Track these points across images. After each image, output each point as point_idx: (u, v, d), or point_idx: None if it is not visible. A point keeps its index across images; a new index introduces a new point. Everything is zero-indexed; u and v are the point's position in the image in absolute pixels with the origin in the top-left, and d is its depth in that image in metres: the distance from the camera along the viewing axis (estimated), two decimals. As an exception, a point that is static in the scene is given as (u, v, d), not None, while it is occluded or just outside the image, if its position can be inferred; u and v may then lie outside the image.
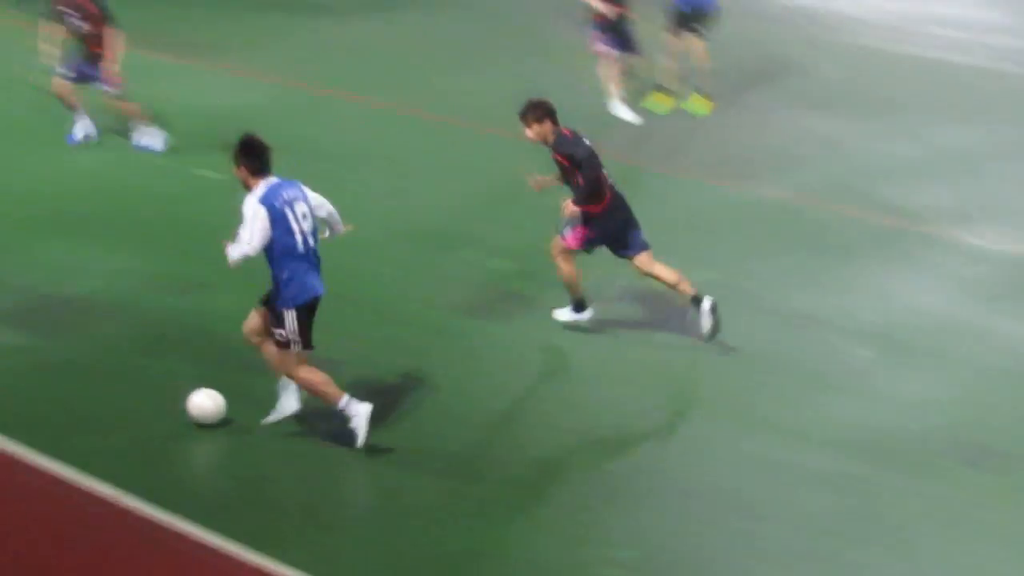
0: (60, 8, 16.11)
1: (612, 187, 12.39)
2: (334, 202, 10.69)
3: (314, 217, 10.44)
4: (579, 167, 12.14)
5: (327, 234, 10.74)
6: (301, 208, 10.34)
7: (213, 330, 12.13)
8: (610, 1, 18.34)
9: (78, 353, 11.74)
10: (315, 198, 10.55)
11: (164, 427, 10.61)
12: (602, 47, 18.46)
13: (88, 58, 16.20)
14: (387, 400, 11.02)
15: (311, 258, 10.40)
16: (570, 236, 12.38)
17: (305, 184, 10.47)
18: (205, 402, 10.69)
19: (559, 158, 12.25)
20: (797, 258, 14.63)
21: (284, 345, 10.39)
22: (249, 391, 10.92)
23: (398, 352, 12.08)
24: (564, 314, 12.73)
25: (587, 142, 12.28)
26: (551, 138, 12.20)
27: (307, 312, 10.40)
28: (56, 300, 12.61)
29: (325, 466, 10.27)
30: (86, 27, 16.06)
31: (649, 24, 19.10)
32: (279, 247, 10.23)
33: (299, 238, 10.29)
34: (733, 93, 20.01)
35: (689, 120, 19.06)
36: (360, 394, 10.48)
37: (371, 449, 10.29)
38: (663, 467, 10.66)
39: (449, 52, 21.37)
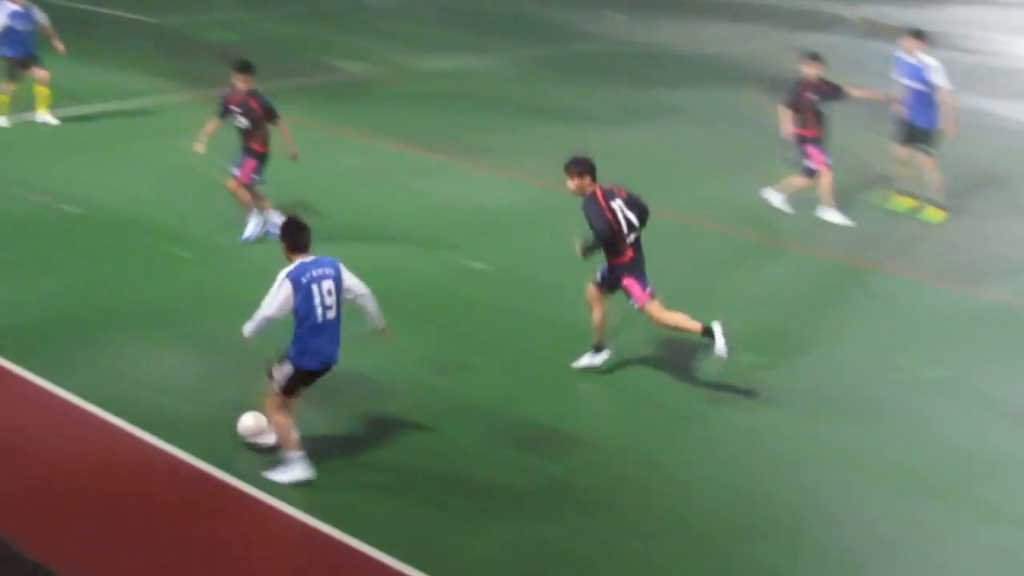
0: (229, 106, 17.52)
1: (632, 244, 13.76)
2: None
3: (340, 295, 11.82)
4: (590, 225, 13.59)
5: (368, 326, 12.12)
6: (327, 285, 11.76)
7: (477, 407, 13.34)
8: (808, 121, 19.22)
9: (349, 427, 12.88)
10: (349, 280, 11.98)
11: (429, 488, 11.80)
12: (815, 163, 19.36)
13: (249, 153, 17.50)
14: (627, 482, 12.10)
15: (329, 330, 11.79)
16: (633, 290, 13.80)
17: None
18: (248, 421, 12.22)
19: (586, 212, 13.74)
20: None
21: (272, 383, 11.81)
22: (519, 462, 12.17)
23: (644, 433, 13.10)
24: (584, 360, 14.19)
25: (614, 204, 13.68)
26: (586, 192, 13.78)
27: (307, 376, 11.86)
28: (333, 377, 13.96)
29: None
30: (248, 124, 17.41)
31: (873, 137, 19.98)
32: (299, 315, 11.68)
33: (319, 311, 11.70)
34: (961, 201, 20.70)
35: (919, 224, 19.81)
36: (595, 468, 11.66)
37: (604, 510, 11.37)
38: (898, 551, 11.16)
39: (705, 158, 22.12)
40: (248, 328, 11.87)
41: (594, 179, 13.82)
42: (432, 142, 22.22)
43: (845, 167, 20.36)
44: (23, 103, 22.97)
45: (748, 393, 13.95)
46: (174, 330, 14.84)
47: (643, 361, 14.61)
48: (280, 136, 17.37)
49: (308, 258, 11.90)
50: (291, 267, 11.84)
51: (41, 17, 23.13)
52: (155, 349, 14.37)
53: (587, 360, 14.28)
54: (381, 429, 12.89)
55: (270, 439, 12.27)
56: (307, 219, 17.59)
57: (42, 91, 23.00)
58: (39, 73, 22.98)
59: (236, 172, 17.54)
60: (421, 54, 29.72)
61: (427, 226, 18.46)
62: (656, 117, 21.51)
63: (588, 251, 13.78)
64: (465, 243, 17.77)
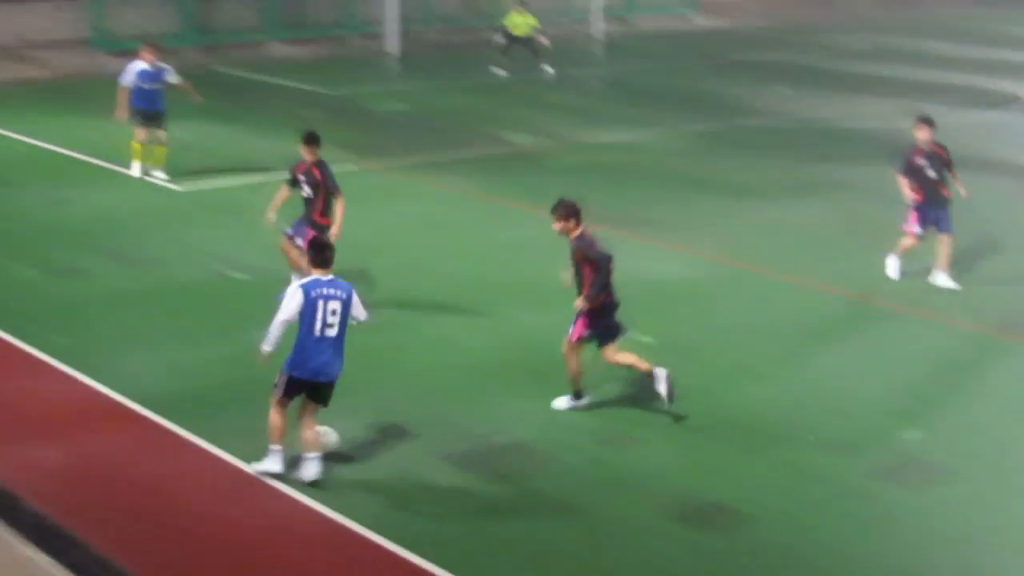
0: (296, 175, 18.07)
1: (608, 289, 14.65)
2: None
3: (345, 317, 12.91)
4: (596, 263, 14.48)
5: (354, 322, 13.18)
6: (333, 305, 12.87)
7: (640, 479, 13.48)
8: (916, 185, 19.26)
9: (518, 495, 13.14)
10: (357, 308, 13.10)
11: (611, 560, 11.97)
12: (906, 227, 19.50)
13: (310, 223, 17.93)
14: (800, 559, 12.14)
15: (326, 346, 12.87)
16: (571, 332, 14.64)
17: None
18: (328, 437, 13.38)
19: (577, 255, 14.61)
20: None
21: (275, 386, 13.07)
22: (680, 535, 12.29)
23: (806, 507, 13.11)
24: (563, 402, 14.90)
25: (604, 246, 14.63)
26: (573, 234, 14.70)
27: (297, 385, 12.99)
28: (500, 446, 14.18)
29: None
30: (311, 193, 17.92)
31: None
32: (302, 326, 12.84)
33: (318, 325, 12.81)
34: None
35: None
36: (758, 542, 11.67)
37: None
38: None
39: (869, 234, 21.97)
40: (265, 345, 13.08)
41: (579, 222, 14.74)
42: (598, 214, 22.12)
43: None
44: (204, 170, 23.57)
45: (911, 468, 13.91)
46: (337, 396, 15.15)
47: (803, 435, 14.61)
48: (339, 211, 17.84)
49: (326, 276, 13.07)
50: (307, 279, 13.08)
51: (173, 77, 24.27)
52: (328, 415, 14.67)
53: (566, 403, 14.96)
54: (543, 499, 13.09)
55: (330, 439, 13.49)
56: (475, 287, 18.00)
57: (159, 150, 24.22)
58: (159, 133, 24.19)
59: (289, 231, 18.22)
60: (587, 127, 29.98)
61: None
62: (821, 192, 21.47)
63: (591, 285, 14.56)
64: (630, 316, 17.80)
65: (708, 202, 23.78)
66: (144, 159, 24.36)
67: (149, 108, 24.07)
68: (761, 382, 15.96)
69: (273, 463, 13.19)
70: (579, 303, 14.61)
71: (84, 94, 31.88)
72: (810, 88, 35.14)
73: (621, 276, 19.30)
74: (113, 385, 15.19)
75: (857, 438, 14.54)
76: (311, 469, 13.08)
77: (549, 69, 35.78)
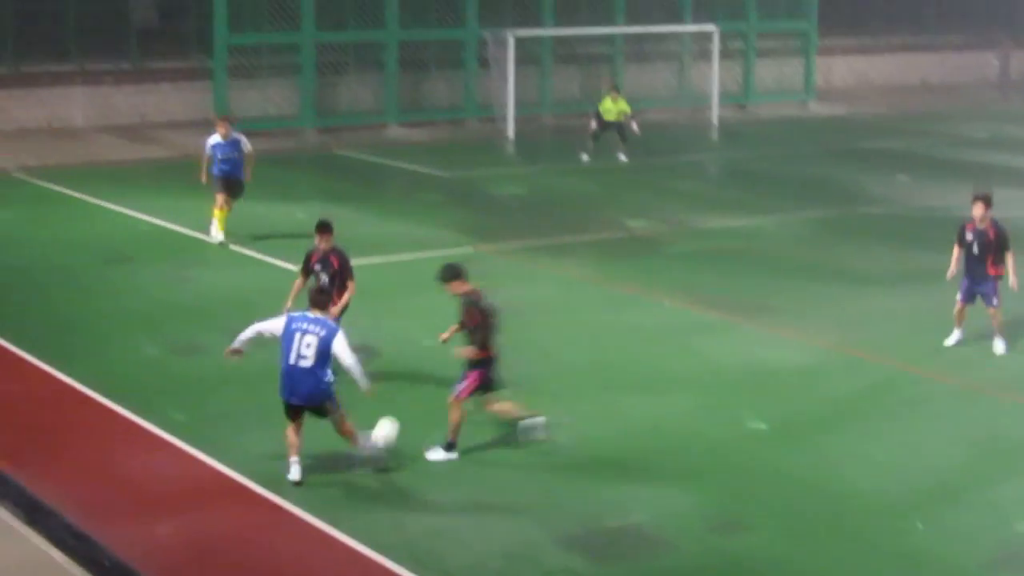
0: (311, 263, 18.30)
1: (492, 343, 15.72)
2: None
3: (320, 353, 14.53)
4: (484, 316, 15.61)
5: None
6: (308, 339, 14.58)
7: (751, 568, 13.52)
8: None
9: None
10: (338, 348, 14.63)
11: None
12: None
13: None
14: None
15: (298, 375, 14.60)
16: (462, 388, 15.63)
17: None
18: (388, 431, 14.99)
19: (467, 310, 15.70)
20: None
21: None
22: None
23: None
24: (437, 454, 15.62)
25: (489, 302, 15.74)
26: (460, 291, 15.88)
27: (286, 405, 14.85)
28: (611, 530, 14.23)
29: None
30: (327, 280, 18.06)
31: None
32: (281, 354, 14.68)
33: (292, 356, 14.59)
34: None
35: None
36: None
37: None
38: None
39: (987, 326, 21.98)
40: (234, 342, 15.08)
41: (464, 281, 16.05)
42: (713, 300, 22.46)
43: None
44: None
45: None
46: (449, 472, 15.33)
47: (914, 517, 14.55)
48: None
49: (316, 314, 14.85)
50: (295, 313, 14.93)
51: (247, 147, 25.97)
52: (434, 499, 14.83)
53: (441, 455, 15.65)
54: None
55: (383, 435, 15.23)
56: (589, 370, 18.08)
57: (223, 212, 25.79)
58: (231, 200, 25.97)
59: None
60: (704, 212, 30.06)
61: (706, 383, 18.68)
62: (937, 280, 21.33)
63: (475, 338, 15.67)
64: (744, 402, 17.90)
65: (823, 288, 23.72)
66: (223, 225, 25.81)
67: (226, 176, 25.77)
68: (873, 469, 15.87)
69: (293, 473, 14.87)
70: (466, 352, 15.74)
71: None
72: (929, 176, 34.97)
73: (734, 362, 19.47)
74: (230, 462, 15.46)
75: (971, 527, 14.42)
76: (294, 471, 14.88)
77: (623, 157, 35.83)
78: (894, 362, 19.79)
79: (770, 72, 48.26)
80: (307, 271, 18.28)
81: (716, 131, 43.28)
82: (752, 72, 47.51)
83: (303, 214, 26.77)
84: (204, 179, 26.00)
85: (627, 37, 44.94)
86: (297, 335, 14.69)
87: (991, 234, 19.88)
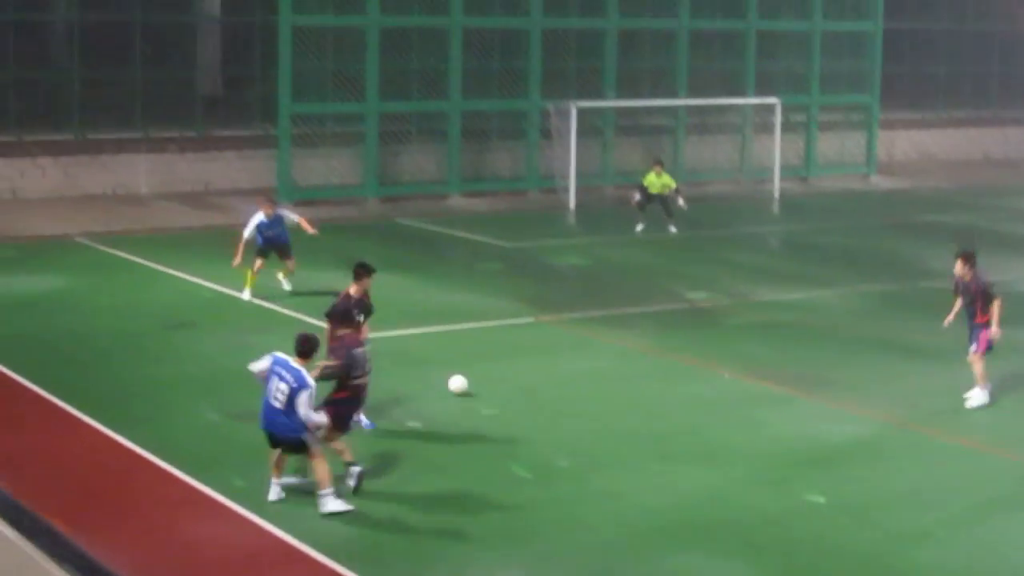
0: (351, 310, 18.93)
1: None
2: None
3: (291, 400, 15.75)
4: (343, 365, 16.96)
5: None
6: (281, 385, 15.87)
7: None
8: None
9: None
10: (300, 401, 15.71)
11: None
12: None
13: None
14: None
15: (271, 412, 16.01)
16: (324, 417, 16.30)
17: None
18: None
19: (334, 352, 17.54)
20: None
21: None
22: None
23: None
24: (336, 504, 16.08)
25: (360, 352, 17.17)
26: (337, 333, 18.10)
27: (265, 434, 16.25)
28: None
29: None
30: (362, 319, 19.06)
31: None
32: (264, 389, 16.13)
33: (270, 395, 16.00)
34: None
35: None
36: None
37: None
38: None
39: None
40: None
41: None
42: (773, 373, 22.44)
43: None
44: (383, 319, 24.13)
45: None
46: (502, 543, 15.36)
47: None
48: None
49: (298, 363, 16.03)
50: (282, 356, 16.20)
51: (291, 218, 27.49)
52: (496, 564, 14.86)
53: (339, 506, 16.07)
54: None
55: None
56: (648, 441, 18.09)
57: (285, 269, 27.38)
58: (287, 261, 27.32)
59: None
60: (765, 284, 30.07)
61: (764, 456, 18.63)
62: (998, 354, 21.27)
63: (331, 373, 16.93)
64: (804, 476, 17.83)
65: (883, 363, 23.65)
66: (254, 286, 27.00)
67: (273, 245, 26.92)
68: (934, 548, 15.78)
69: (272, 495, 16.32)
70: (320, 365, 16.79)
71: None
72: (991, 251, 34.78)
73: (793, 434, 19.42)
74: (289, 528, 15.54)
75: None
76: (273, 492, 16.35)
77: (673, 228, 35.97)
78: (956, 438, 19.67)
79: (832, 145, 48.37)
80: (349, 320, 18.67)
81: (777, 204, 43.31)
82: (814, 145, 47.60)
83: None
84: (237, 262, 26.42)
85: (689, 109, 45.16)
86: (274, 378, 16.07)
87: (973, 287, 21.30)
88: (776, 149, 44.08)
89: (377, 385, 21.37)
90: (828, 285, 30.31)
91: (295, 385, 15.86)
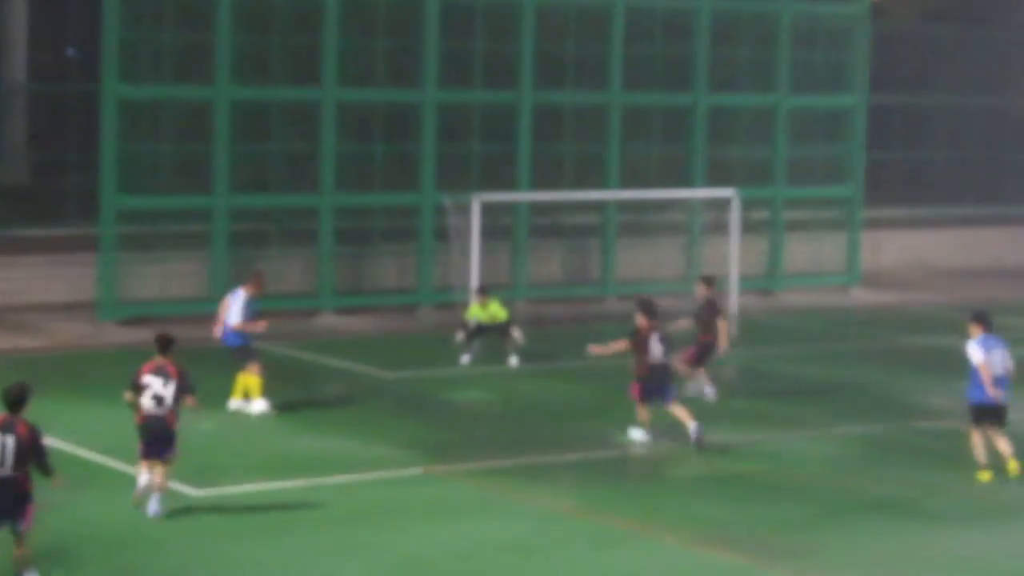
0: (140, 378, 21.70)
1: None
2: None
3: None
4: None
5: None
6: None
7: None
8: None
9: None
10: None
11: None
12: None
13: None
14: None
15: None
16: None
17: None
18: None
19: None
20: None
21: None
22: None
23: None
24: None
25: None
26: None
27: None
28: None
29: None
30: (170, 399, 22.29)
31: None
32: None
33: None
34: None
35: None
36: None
37: None
38: None
39: None
40: None
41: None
42: (736, 540, 22.39)
43: None
44: (232, 469, 23.96)
45: None
46: None
47: None
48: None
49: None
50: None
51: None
52: None
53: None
54: None
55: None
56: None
57: (251, 383, 29.49)
58: (252, 367, 29.49)
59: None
60: (713, 426, 29.99)
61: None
62: (1004, 516, 21.37)
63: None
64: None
65: (869, 525, 23.70)
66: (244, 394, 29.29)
67: (249, 343, 29.27)
68: None
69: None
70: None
71: (89, 372, 32.68)
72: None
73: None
74: None
75: None
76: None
77: (513, 361, 35.87)
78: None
79: (803, 250, 48.68)
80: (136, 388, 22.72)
81: (734, 323, 43.60)
82: (780, 250, 47.94)
83: (216, 425, 26.90)
84: (219, 334, 29.86)
85: (622, 204, 45.31)
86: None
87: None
88: (733, 255, 44.10)
89: (216, 561, 21.17)
90: (798, 426, 30.48)
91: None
